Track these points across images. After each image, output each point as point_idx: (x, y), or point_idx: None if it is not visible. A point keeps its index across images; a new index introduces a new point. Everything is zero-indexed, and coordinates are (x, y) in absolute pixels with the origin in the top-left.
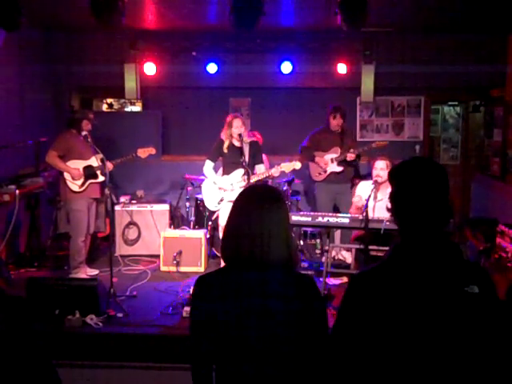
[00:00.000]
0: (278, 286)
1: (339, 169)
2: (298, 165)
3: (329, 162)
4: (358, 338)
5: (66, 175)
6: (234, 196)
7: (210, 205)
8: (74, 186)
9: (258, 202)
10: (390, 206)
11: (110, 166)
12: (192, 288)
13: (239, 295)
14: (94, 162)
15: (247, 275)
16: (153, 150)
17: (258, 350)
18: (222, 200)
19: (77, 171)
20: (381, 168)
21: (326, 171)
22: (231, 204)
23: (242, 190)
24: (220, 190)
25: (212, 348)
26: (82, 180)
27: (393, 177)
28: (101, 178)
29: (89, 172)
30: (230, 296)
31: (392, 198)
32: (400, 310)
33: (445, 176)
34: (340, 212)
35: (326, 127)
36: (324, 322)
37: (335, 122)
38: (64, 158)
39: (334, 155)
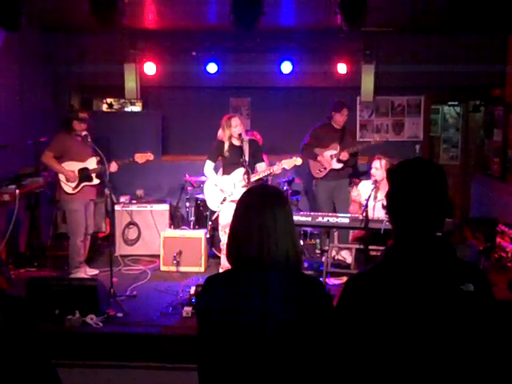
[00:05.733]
0: (286, 286)
1: (339, 165)
2: (298, 161)
3: (329, 160)
4: (354, 339)
5: (61, 176)
6: (236, 196)
7: (213, 205)
8: (68, 187)
9: (262, 203)
10: (385, 204)
11: (115, 166)
12: (194, 288)
13: (247, 296)
14: (92, 163)
15: (255, 276)
16: (151, 156)
17: (264, 351)
18: (224, 200)
19: (71, 173)
20: (375, 167)
21: (326, 168)
22: (233, 204)
23: (244, 190)
24: (222, 190)
25: (218, 348)
26: (76, 182)
27: (390, 176)
28: (95, 181)
29: (84, 174)
30: (237, 297)
31: (388, 197)
32: (396, 311)
33: (443, 178)
34: (336, 207)
35: (327, 123)
36: (330, 323)
37: (341, 118)
38: (60, 159)
39: (334, 152)
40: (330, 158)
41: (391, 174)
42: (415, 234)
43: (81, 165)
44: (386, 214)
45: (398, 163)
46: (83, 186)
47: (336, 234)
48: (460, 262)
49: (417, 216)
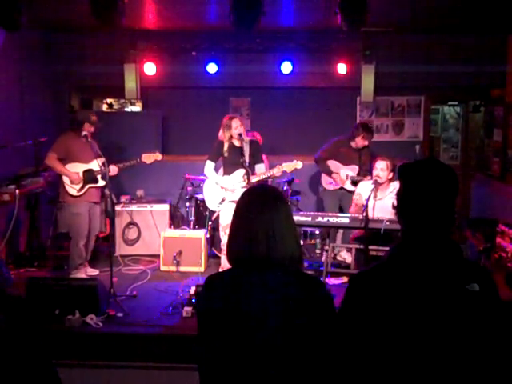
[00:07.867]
0: (286, 286)
1: (352, 188)
2: (299, 164)
3: (344, 179)
4: (359, 337)
5: (65, 179)
6: (235, 196)
7: (212, 205)
8: (72, 190)
9: (262, 203)
10: (395, 203)
11: (115, 169)
12: (194, 288)
13: (247, 296)
14: (96, 165)
15: (255, 276)
16: (159, 156)
17: (264, 351)
18: (223, 200)
19: (76, 175)
20: (381, 168)
21: (337, 184)
22: (233, 204)
23: (243, 190)
24: (222, 190)
25: (219, 348)
26: (80, 184)
27: (402, 175)
28: (101, 183)
29: (89, 176)
30: (238, 297)
31: (399, 196)
32: (401, 309)
33: (454, 179)
34: (343, 212)
35: (346, 140)
36: (332, 323)
37: (361, 143)
38: (64, 161)
39: (351, 173)
40: (345, 177)
41: (403, 173)
42: (424, 233)
43: (85, 166)
44: (395, 212)
45: (410, 163)
46: (88, 188)
47: (339, 235)
48: (466, 262)
49: (427, 216)
